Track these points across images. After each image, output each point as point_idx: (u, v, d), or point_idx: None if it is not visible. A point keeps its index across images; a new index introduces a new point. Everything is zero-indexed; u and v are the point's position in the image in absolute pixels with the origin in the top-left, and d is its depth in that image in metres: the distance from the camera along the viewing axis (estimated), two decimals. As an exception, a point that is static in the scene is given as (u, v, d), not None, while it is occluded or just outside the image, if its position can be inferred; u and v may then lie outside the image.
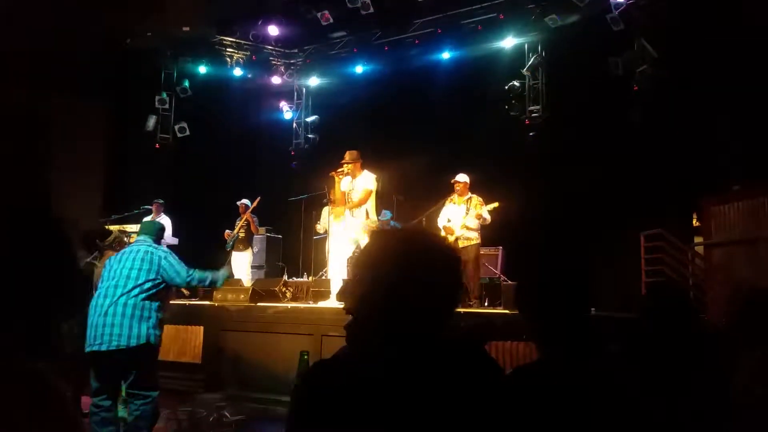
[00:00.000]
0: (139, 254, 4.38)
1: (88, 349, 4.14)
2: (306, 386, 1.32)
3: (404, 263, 1.35)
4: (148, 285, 4.28)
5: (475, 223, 7.85)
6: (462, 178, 8.10)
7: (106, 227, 6.30)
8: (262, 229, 10.74)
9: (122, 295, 4.17)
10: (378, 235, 1.56)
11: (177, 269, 4.45)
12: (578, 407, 1.72)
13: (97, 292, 4.30)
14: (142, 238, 4.61)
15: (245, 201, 9.87)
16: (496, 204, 7.90)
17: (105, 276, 4.35)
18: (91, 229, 6.18)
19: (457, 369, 1.30)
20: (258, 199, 9.64)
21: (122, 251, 4.52)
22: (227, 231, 9.83)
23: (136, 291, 4.22)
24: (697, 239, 7.93)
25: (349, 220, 7.29)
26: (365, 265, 1.41)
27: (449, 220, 8.04)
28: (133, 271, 4.28)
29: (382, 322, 1.32)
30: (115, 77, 10.55)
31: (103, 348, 4.07)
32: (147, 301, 4.24)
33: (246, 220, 9.70)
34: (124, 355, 4.09)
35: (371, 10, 10.22)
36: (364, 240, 7.31)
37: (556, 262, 1.94)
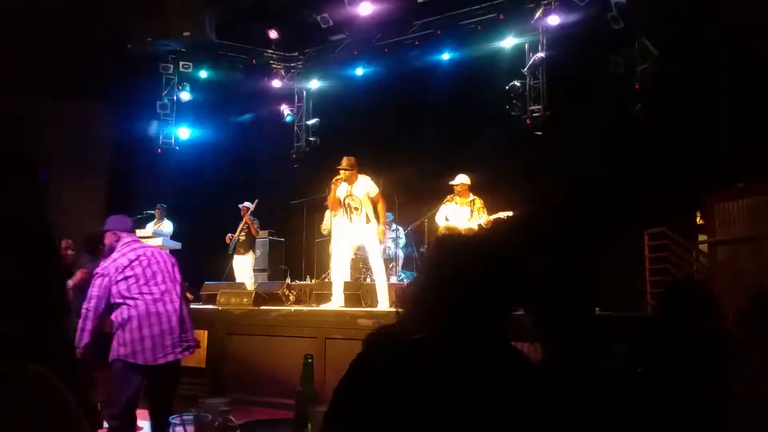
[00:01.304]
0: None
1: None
2: (354, 374, 1.36)
3: (462, 264, 1.42)
4: None
5: (475, 225, 7.90)
6: (462, 179, 8.10)
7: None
8: (264, 232, 10.75)
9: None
10: (445, 240, 1.59)
11: None
12: (583, 408, 1.70)
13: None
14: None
15: (246, 204, 9.89)
16: (509, 213, 7.90)
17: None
18: (93, 233, 6.16)
19: (494, 364, 1.35)
20: (255, 201, 9.64)
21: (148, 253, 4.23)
22: (228, 235, 9.84)
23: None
24: (701, 237, 7.90)
25: (348, 226, 7.24)
26: (426, 265, 1.50)
27: (447, 219, 8.03)
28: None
29: (435, 320, 1.38)
30: (116, 82, 10.57)
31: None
32: None
33: (246, 223, 9.71)
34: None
35: (370, 12, 10.23)
36: (374, 245, 7.25)
37: (559, 262, 1.93)
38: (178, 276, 4.29)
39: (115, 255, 4.12)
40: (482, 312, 1.40)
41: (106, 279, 3.99)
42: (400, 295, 1.44)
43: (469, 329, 1.36)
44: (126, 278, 4.01)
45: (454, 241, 1.55)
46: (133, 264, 4.07)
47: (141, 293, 4.01)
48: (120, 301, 3.99)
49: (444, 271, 1.42)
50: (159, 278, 4.11)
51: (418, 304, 1.44)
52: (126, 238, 4.23)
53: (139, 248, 4.19)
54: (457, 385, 1.26)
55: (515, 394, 1.31)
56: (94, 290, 3.97)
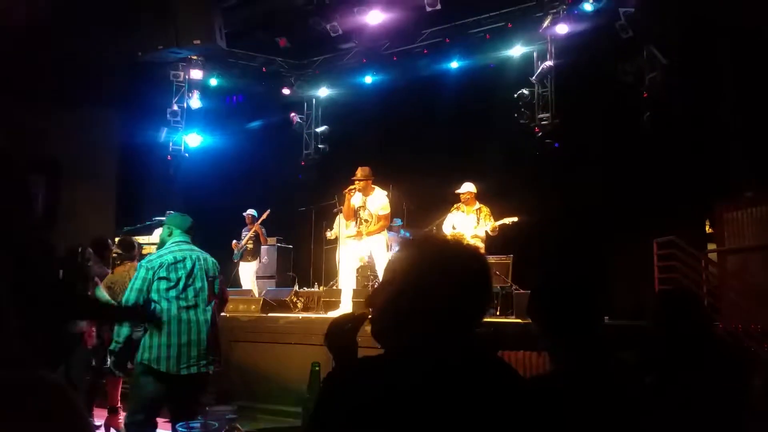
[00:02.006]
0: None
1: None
2: (333, 386, 1.32)
3: (435, 271, 1.36)
4: None
5: (482, 232, 7.91)
6: (468, 187, 8.11)
7: (129, 237, 6.26)
8: (271, 239, 10.79)
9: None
10: (411, 243, 1.56)
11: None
12: (593, 417, 1.70)
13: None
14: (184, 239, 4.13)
15: (251, 212, 9.94)
16: (515, 218, 7.90)
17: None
18: (100, 238, 6.20)
19: (480, 375, 1.31)
20: (267, 212, 9.68)
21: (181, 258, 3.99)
22: (234, 242, 9.88)
23: None
24: (711, 246, 7.87)
25: (359, 241, 7.27)
26: (396, 271, 1.42)
27: (454, 228, 8.04)
28: None
29: (408, 328, 1.33)
30: (127, 89, 10.65)
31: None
32: None
33: (255, 231, 9.74)
34: None
35: (379, 20, 10.28)
36: (382, 254, 7.27)
37: (568, 271, 1.93)
38: (219, 286, 4.15)
39: (162, 251, 3.95)
40: (460, 321, 1.36)
41: (151, 272, 3.80)
42: (368, 298, 1.36)
43: (446, 340, 1.32)
44: (167, 278, 3.82)
45: (434, 246, 1.50)
46: (177, 265, 3.87)
47: (177, 297, 3.83)
48: (156, 299, 3.80)
49: (422, 277, 1.36)
50: (198, 285, 3.92)
51: (389, 312, 1.39)
52: (178, 236, 4.05)
53: (188, 250, 3.99)
54: (438, 399, 1.23)
55: (499, 408, 1.27)
56: (137, 283, 3.79)
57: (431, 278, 1.35)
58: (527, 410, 1.32)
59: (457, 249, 1.46)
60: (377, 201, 7.15)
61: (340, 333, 1.46)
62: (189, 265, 3.91)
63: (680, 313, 2.61)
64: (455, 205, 8.20)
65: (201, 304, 3.92)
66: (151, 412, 3.78)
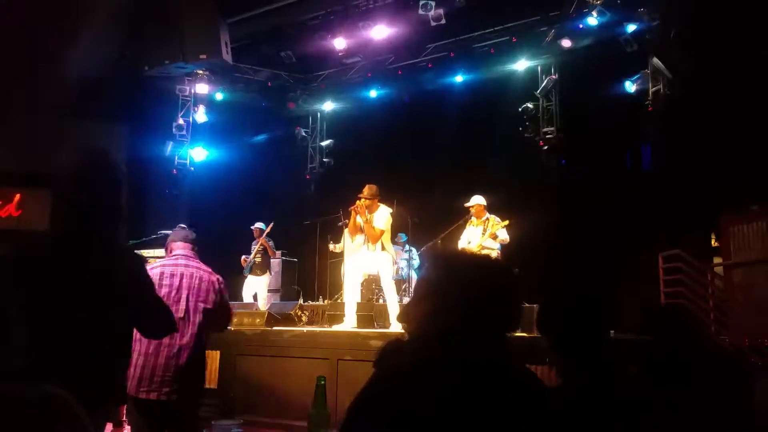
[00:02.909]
0: None
1: None
2: (368, 398, 1.35)
3: (468, 286, 1.40)
4: None
5: (491, 243, 7.92)
6: (476, 200, 8.13)
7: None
8: (278, 252, 10.78)
9: None
10: (443, 258, 1.59)
11: None
12: (600, 430, 1.70)
13: None
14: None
15: (259, 225, 9.93)
16: (506, 222, 7.92)
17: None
18: None
19: (514, 384, 1.35)
20: (271, 224, 9.68)
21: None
22: (244, 257, 9.87)
23: None
24: (717, 260, 7.84)
25: (365, 252, 7.27)
26: (430, 286, 1.45)
27: (469, 242, 8.06)
28: None
29: (445, 344, 1.36)
30: (133, 103, 10.72)
31: None
32: None
33: (261, 245, 9.74)
34: None
35: (384, 35, 10.34)
36: (387, 270, 7.26)
37: (575, 286, 1.94)
38: (213, 305, 3.73)
39: (157, 263, 3.74)
40: (489, 333, 1.39)
41: None
42: (401, 314, 1.39)
43: (477, 352, 1.35)
44: None
45: (462, 261, 1.55)
46: (162, 281, 3.59)
47: None
48: None
49: (451, 292, 1.40)
50: (182, 305, 3.59)
51: (422, 325, 1.43)
52: (177, 249, 3.81)
53: (182, 266, 3.71)
54: (471, 409, 1.26)
55: (526, 417, 1.30)
56: None
57: (462, 293, 1.39)
58: (555, 420, 1.36)
59: (486, 264, 1.51)
60: (381, 217, 7.19)
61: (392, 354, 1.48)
62: (176, 282, 3.63)
63: (671, 328, 2.62)
64: (468, 220, 8.23)
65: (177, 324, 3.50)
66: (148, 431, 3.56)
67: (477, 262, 1.53)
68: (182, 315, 3.57)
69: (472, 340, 1.36)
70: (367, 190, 7.19)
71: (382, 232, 7.14)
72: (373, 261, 7.22)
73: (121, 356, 2.48)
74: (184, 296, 3.62)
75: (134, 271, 2.47)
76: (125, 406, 5.38)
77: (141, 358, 3.48)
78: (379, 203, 7.24)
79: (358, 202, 7.19)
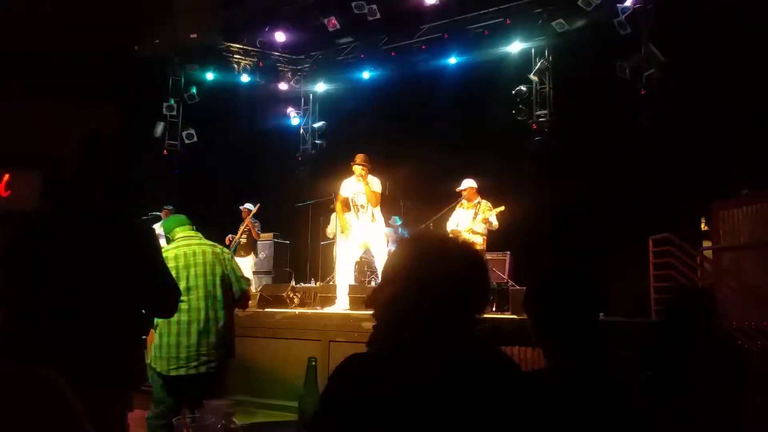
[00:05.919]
0: None
1: None
2: (337, 380, 1.33)
3: (435, 268, 1.38)
4: None
5: (481, 228, 7.90)
6: (467, 183, 8.12)
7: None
8: (268, 235, 10.76)
9: None
10: (408, 241, 1.58)
11: None
12: (587, 413, 1.71)
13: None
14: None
15: (248, 205, 9.89)
16: (501, 208, 7.92)
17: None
18: None
19: (484, 368, 1.33)
20: (258, 205, 9.65)
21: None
22: (228, 236, 9.85)
23: None
24: (706, 243, 7.88)
25: (355, 223, 7.30)
26: (396, 270, 1.43)
27: (458, 225, 8.05)
28: None
29: (411, 325, 1.34)
30: (122, 84, 10.61)
31: None
32: None
33: (247, 225, 9.71)
34: None
35: (378, 16, 10.25)
36: (380, 245, 7.30)
37: (564, 267, 1.94)
38: (226, 282, 3.83)
39: (170, 246, 3.83)
40: (459, 317, 1.37)
41: None
42: (368, 298, 1.37)
43: (444, 334, 1.34)
44: None
45: (427, 243, 1.51)
46: (179, 262, 3.70)
47: None
48: None
49: (421, 275, 1.38)
50: (193, 283, 3.69)
51: (390, 310, 1.40)
52: (179, 234, 3.90)
53: (196, 245, 3.83)
54: (442, 393, 1.25)
55: (498, 398, 1.29)
56: None
57: (429, 275, 1.37)
58: (530, 402, 1.34)
59: (454, 246, 1.48)
60: (374, 181, 7.25)
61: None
62: (191, 261, 3.74)
63: (700, 313, 2.64)
64: (458, 202, 8.22)
65: (195, 303, 3.68)
66: (165, 411, 3.63)
67: (442, 244, 1.50)
68: (208, 291, 3.72)
69: (439, 323, 1.34)
70: (361, 157, 7.23)
71: (378, 194, 7.20)
72: (366, 231, 7.27)
73: (132, 338, 2.49)
74: (193, 275, 3.72)
75: (142, 243, 2.51)
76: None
77: (163, 337, 3.63)
78: (368, 173, 7.29)
79: (354, 167, 7.20)
